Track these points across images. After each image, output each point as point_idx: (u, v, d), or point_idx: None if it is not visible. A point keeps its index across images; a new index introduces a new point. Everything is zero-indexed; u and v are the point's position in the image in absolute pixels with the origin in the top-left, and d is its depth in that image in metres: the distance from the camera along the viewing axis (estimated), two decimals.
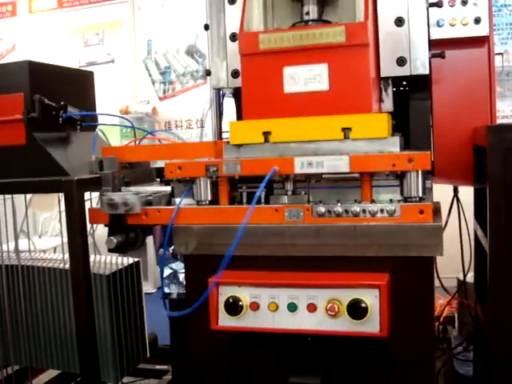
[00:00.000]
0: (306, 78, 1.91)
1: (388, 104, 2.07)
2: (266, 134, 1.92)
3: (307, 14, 2.06)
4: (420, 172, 1.75)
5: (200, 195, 1.93)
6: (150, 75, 6.80)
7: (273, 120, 1.93)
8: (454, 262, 2.59)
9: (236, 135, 1.96)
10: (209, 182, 1.92)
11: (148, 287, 5.60)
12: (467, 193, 2.52)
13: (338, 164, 1.77)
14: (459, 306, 3.38)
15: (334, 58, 1.90)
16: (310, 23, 2.05)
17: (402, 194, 1.80)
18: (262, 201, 1.89)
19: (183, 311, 1.91)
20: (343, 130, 1.84)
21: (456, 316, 3.45)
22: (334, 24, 2.01)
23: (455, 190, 2.51)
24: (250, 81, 1.99)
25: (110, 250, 2.04)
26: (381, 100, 2.06)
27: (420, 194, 1.76)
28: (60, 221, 2.46)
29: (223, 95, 2.45)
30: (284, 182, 1.89)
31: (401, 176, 1.79)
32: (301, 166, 1.80)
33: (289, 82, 1.93)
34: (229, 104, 2.44)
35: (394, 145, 1.82)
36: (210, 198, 1.93)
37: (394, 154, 1.78)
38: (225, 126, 2.34)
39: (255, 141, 1.93)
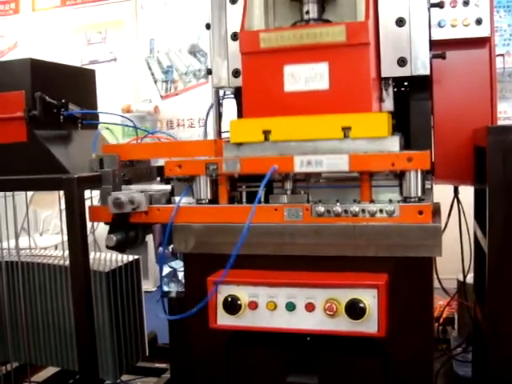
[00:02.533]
0: (306, 77, 1.91)
1: (388, 103, 2.07)
2: (266, 133, 1.92)
3: (307, 13, 2.06)
4: (419, 171, 1.75)
5: (200, 194, 1.93)
6: (153, 74, 6.80)
7: (273, 119, 1.93)
8: (454, 263, 2.59)
9: (236, 134, 1.96)
10: (209, 181, 1.92)
11: (148, 286, 5.59)
12: (467, 194, 2.52)
13: (338, 163, 1.77)
14: (459, 307, 3.38)
15: (335, 57, 1.90)
16: (311, 22, 2.05)
17: (401, 193, 1.80)
18: (262, 200, 1.89)
19: (182, 315, 1.91)
20: (343, 129, 1.84)
21: (456, 317, 3.45)
22: (334, 23, 2.01)
23: (455, 191, 2.51)
24: (251, 79, 1.99)
25: (110, 248, 2.04)
26: (381, 99, 2.06)
27: (419, 194, 1.76)
28: (61, 219, 2.46)
29: (223, 95, 2.45)
30: (283, 180, 1.89)
31: (400, 176, 1.79)
32: (300, 165, 1.80)
33: (289, 81, 1.93)
34: (230, 104, 2.44)
35: (393, 144, 1.82)
36: (209, 197, 1.93)
37: (394, 154, 1.78)
38: (225, 126, 2.35)
39: (255, 139, 1.93)
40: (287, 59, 1.93)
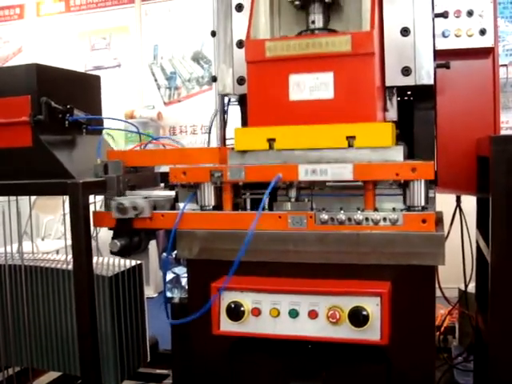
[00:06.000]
0: (311, 86, 1.93)
1: (392, 113, 2.08)
2: (271, 141, 1.93)
3: (313, 22, 2.08)
4: (423, 181, 1.76)
5: (204, 201, 1.94)
6: (156, 80, 6.83)
7: (278, 127, 1.94)
8: (455, 272, 2.59)
9: (241, 141, 1.97)
10: (213, 188, 1.93)
11: (149, 291, 5.59)
12: (469, 203, 2.53)
13: (342, 172, 1.78)
14: (460, 316, 3.38)
15: (340, 67, 1.91)
16: (316, 32, 2.06)
17: (404, 203, 1.80)
18: (266, 207, 1.90)
19: (185, 319, 1.91)
20: (347, 138, 1.85)
21: (457, 326, 3.45)
22: (340, 33, 2.03)
23: (458, 200, 2.52)
24: (256, 88, 2.00)
25: (114, 253, 2.05)
26: (385, 109, 2.07)
27: (423, 204, 1.77)
28: (64, 223, 2.46)
29: (228, 102, 2.46)
30: (288, 188, 1.90)
31: (404, 185, 1.80)
32: (305, 174, 1.81)
33: (294, 90, 1.94)
34: (234, 111, 2.45)
35: (397, 154, 1.83)
36: (213, 204, 1.94)
37: (398, 163, 1.79)
38: (229, 133, 2.36)
39: (260, 147, 1.94)
40: (292, 68, 1.94)
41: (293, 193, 1.89)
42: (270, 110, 1.98)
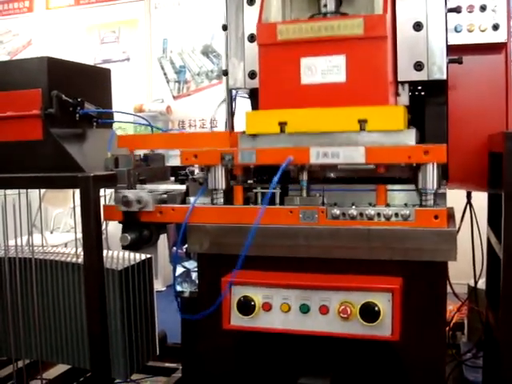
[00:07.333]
0: (323, 70, 1.91)
1: (404, 98, 2.06)
2: (282, 125, 1.92)
3: (325, 6, 2.06)
4: (435, 165, 1.74)
5: (214, 184, 1.93)
6: (165, 74, 6.83)
7: (289, 110, 1.93)
8: (464, 268, 2.58)
9: (252, 125, 1.96)
10: (224, 171, 1.92)
11: (158, 285, 5.59)
12: (479, 199, 2.52)
13: (354, 155, 1.77)
14: (469, 312, 3.37)
15: (352, 50, 1.90)
16: (328, 15, 2.05)
17: (416, 187, 1.79)
18: (277, 201, 1.89)
19: (197, 315, 1.91)
20: (359, 121, 1.84)
21: (466, 322, 3.44)
22: (352, 16, 2.01)
23: (468, 196, 2.51)
24: (267, 71, 1.99)
25: (124, 247, 2.04)
26: (397, 94, 2.05)
27: (435, 187, 1.75)
28: (74, 216, 2.47)
29: (236, 93, 2.45)
30: (299, 173, 1.89)
31: (416, 169, 1.78)
32: (316, 156, 1.80)
33: (306, 73, 1.93)
34: (241, 104, 2.44)
35: (409, 137, 1.82)
36: (224, 188, 1.93)
37: (410, 146, 1.78)
38: (237, 127, 2.35)
39: (271, 131, 1.93)
40: (304, 51, 1.93)
41: (304, 177, 1.87)
42: (282, 94, 1.96)
